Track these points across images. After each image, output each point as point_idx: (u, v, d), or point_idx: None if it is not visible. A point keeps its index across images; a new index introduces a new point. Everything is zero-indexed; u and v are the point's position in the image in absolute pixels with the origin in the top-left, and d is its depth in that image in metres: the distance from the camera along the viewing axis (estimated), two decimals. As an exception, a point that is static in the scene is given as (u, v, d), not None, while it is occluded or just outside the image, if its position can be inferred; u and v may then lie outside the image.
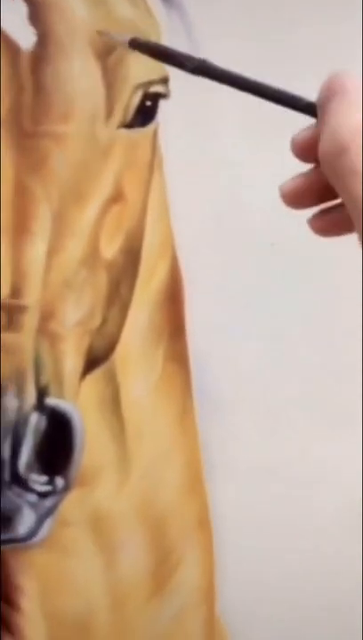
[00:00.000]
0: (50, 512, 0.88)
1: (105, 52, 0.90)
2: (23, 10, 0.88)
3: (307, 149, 0.60)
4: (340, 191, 0.58)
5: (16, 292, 0.86)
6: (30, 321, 0.86)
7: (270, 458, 1.00)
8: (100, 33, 0.88)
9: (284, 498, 1.01)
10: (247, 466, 0.99)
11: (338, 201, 0.60)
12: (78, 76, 0.89)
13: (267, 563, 1.01)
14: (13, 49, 0.88)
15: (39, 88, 0.88)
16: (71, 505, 0.90)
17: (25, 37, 0.88)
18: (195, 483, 1.00)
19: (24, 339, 0.86)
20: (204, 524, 1.00)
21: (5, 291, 0.86)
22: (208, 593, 1.00)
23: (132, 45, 0.81)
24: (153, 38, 0.92)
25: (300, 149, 0.61)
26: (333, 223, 0.62)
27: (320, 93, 0.60)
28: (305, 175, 0.62)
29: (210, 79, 0.71)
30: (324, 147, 0.57)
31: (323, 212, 0.63)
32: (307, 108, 0.64)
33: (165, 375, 0.98)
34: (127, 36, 0.82)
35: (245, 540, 0.99)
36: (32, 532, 0.87)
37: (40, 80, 0.88)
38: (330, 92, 0.59)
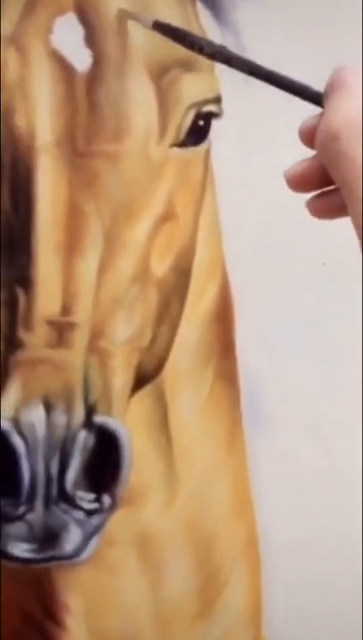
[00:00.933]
0: (96, 530, 0.87)
1: (159, 73, 0.90)
2: (80, 33, 0.89)
3: (311, 136, 0.64)
4: (334, 176, 0.62)
5: (67, 309, 0.86)
6: (80, 338, 0.86)
7: (321, 479, 0.99)
8: (121, 11, 0.88)
9: (334, 520, 0.99)
10: (298, 488, 0.98)
11: (336, 186, 0.63)
12: (132, 96, 0.89)
13: (314, 585, 0.99)
14: (69, 71, 0.88)
15: (94, 108, 0.89)
16: (118, 523, 0.90)
17: (81, 59, 0.89)
18: (243, 503, 0.99)
19: (74, 356, 0.85)
20: (251, 545, 0.99)
21: (56, 308, 0.86)
22: (255, 615, 0.99)
23: (155, 27, 0.81)
24: (206, 60, 0.92)
25: (305, 136, 0.65)
26: (328, 206, 0.64)
27: (325, 87, 0.64)
28: (308, 160, 0.65)
29: (227, 65, 0.73)
30: (319, 134, 0.62)
31: (320, 195, 0.65)
32: (315, 97, 0.67)
33: (215, 394, 0.98)
34: (151, 19, 0.82)
35: (292, 562, 0.98)
36: (78, 550, 0.87)
37: (95, 101, 0.89)
38: (332, 85, 0.63)
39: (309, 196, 0.66)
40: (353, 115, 0.61)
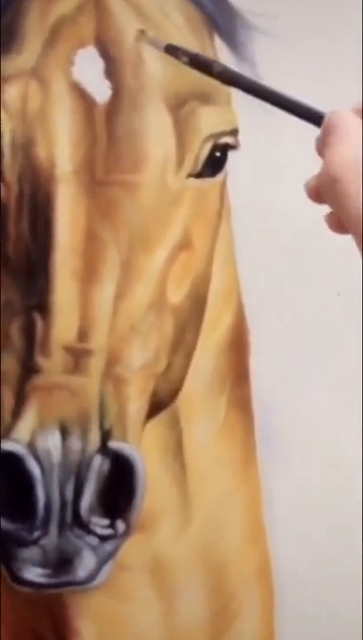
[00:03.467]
0: (110, 556, 0.86)
1: (177, 106, 0.91)
2: (100, 65, 0.90)
3: (316, 192, 0.68)
4: (340, 215, 0.66)
5: (83, 335, 0.86)
6: (96, 364, 0.86)
7: (335, 509, 0.98)
8: (140, 32, 0.90)
9: (347, 546, 0.99)
10: (311, 517, 0.98)
11: None
12: (150, 127, 0.90)
13: (327, 613, 0.98)
14: (89, 102, 0.89)
15: (113, 139, 0.89)
16: (131, 549, 0.89)
17: (101, 91, 0.90)
18: (256, 531, 0.98)
19: (90, 382, 0.85)
20: (264, 573, 0.98)
21: (73, 334, 0.86)
22: (267, 642, 0.98)
23: (167, 50, 0.84)
24: (224, 91, 0.93)
25: (310, 193, 0.69)
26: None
27: (322, 129, 0.68)
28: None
29: (232, 85, 0.77)
30: (321, 177, 0.67)
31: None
32: (315, 119, 0.70)
33: (229, 422, 0.97)
34: (164, 42, 0.85)
35: (305, 589, 0.97)
36: (92, 576, 0.86)
37: (114, 131, 0.89)
38: (326, 130, 0.68)
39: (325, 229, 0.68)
40: (349, 157, 0.65)
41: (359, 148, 0.65)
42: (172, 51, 0.85)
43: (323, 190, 0.66)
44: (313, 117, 0.71)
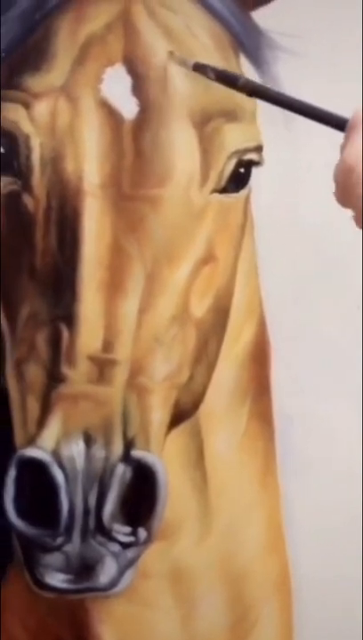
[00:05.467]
0: (131, 563, 0.86)
1: (202, 122, 0.91)
2: (128, 83, 0.91)
3: None
4: (351, 206, 0.69)
5: (108, 346, 0.87)
6: (120, 375, 0.86)
7: (354, 519, 0.98)
8: (169, 53, 0.91)
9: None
10: (330, 526, 0.98)
11: None
12: (176, 144, 0.90)
13: (347, 623, 0.98)
14: (117, 118, 0.90)
15: (139, 154, 0.90)
16: (152, 557, 0.89)
17: (128, 108, 0.91)
18: (276, 541, 0.98)
19: (114, 392, 0.86)
20: (284, 582, 0.98)
21: (98, 345, 0.87)
22: (286, 652, 0.98)
23: (195, 68, 0.89)
24: (249, 109, 0.94)
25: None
26: None
27: (347, 127, 0.72)
28: None
29: (256, 96, 0.84)
30: (336, 170, 0.70)
31: None
32: (339, 123, 0.74)
33: (249, 433, 0.97)
34: (192, 61, 0.90)
35: (325, 601, 0.97)
36: (113, 583, 0.86)
37: (140, 147, 0.90)
38: (350, 127, 0.71)
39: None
40: None
41: None
42: (200, 68, 0.88)
43: (338, 182, 0.68)
44: (337, 122, 0.73)
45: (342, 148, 0.71)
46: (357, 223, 0.69)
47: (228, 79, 0.86)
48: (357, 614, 0.97)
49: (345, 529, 0.98)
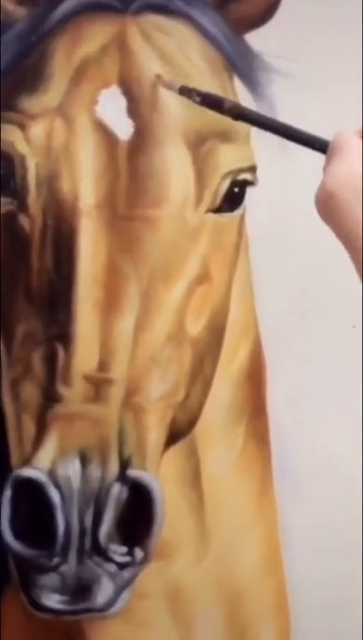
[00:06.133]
0: (128, 583, 0.86)
1: (196, 143, 0.92)
2: (123, 104, 0.91)
3: None
4: (334, 231, 0.68)
5: (103, 365, 0.87)
6: (116, 394, 0.86)
7: (352, 540, 0.98)
8: (157, 76, 0.91)
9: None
10: (328, 547, 0.97)
11: None
12: (171, 164, 0.91)
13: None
14: (112, 139, 0.90)
15: (134, 175, 0.90)
16: (149, 577, 0.89)
17: (123, 129, 0.91)
18: (273, 560, 0.97)
19: (110, 411, 0.85)
20: (281, 602, 0.97)
21: (93, 364, 0.86)
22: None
23: (181, 92, 0.90)
24: (242, 130, 0.94)
25: None
26: None
27: (328, 151, 0.72)
28: None
29: (241, 119, 0.84)
30: (317, 195, 0.70)
31: None
32: (321, 146, 0.74)
33: (246, 452, 0.97)
34: (178, 84, 0.90)
35: (322, 620, 0.97)
36: (110, 603, 0.86)
37: (135, 168, 0.90)
38: (330, 152, 0.71)
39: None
40: (345, 176, 0.68)
41: (357, 166, 0.67)
42: (185, 92, 0.89)
43: (318, 206, 0.68)
44: (319, 145, 0.74)
45: (323, 172, 0.71)
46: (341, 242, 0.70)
47: (213, 103, 0.87)
48: (356, 632, 0.97)
49: (343, 548, 0.98)
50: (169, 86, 0.90)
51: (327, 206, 0.68)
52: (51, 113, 0.91)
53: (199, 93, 0.88)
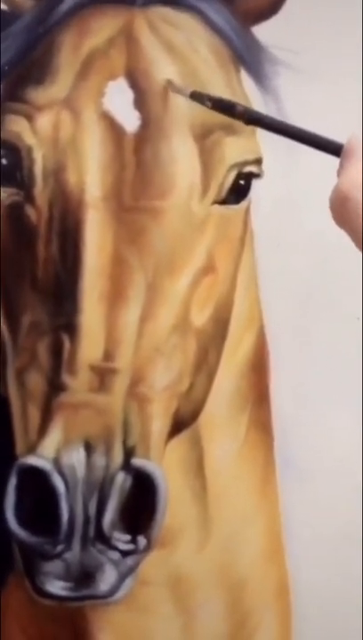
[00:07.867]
0: (131, 571, 0.86)
1: (202, 135, 0.92)
2: (129, 96, 0.91)
3: None
4: (348, 233, 0.67)
5: (109, 355, 0.87)
6: (121, 384, 0.86)
7: (354, 529, 0.98)
8: (167, 82, 0.91)
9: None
10: (329, 536, 0.98)
11: None
12: (177, 156, 0.91)
13: (345, 632, 0.98)
14: (119, 131, 0.90)
15: (140, 167, 0.90)
16: (152, 565, 0.89)
17: (130, 121, 0.91)
18: (275, 549, 0.98)
19: (114, 400, 0.86)
20: (283, 590, 0.97)
21: (99, 354, 0.87)
22: (284, 661, 0.98)
23: (192, 97, 0.90)
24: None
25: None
26: None
27: (342, 153, 0.71)
28: None
29: (253, 124, 0.85)
30: (332, 197, 0.69)
31: None
32: (335, 149, 0.74)
33: (249, 442, 0.97)
34: (189, 90, 0.90)
35: (323, 609, 0.97)
36: (113, 590, 0.86)
37: (141, 160, 0.90)
38: (344, 153, 0.70)
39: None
40: (359, 179, 0.67)
41: None
42: (196, 96, 0.90)
43: (333, 210, 0.67)
44: (333, 148, 0.73)
45: (338, 174, 0.71)
46: (356, 245, 0.69)
47: (225, 107, 0.87)
48: (357, 623, 0.97)
49: (344, 538, 0.98)
50: (180, 91, 0.90)
51: (342, 210, 0.67)
52: (58, 104, 0.91)
53: (210, 98, 0.88)
